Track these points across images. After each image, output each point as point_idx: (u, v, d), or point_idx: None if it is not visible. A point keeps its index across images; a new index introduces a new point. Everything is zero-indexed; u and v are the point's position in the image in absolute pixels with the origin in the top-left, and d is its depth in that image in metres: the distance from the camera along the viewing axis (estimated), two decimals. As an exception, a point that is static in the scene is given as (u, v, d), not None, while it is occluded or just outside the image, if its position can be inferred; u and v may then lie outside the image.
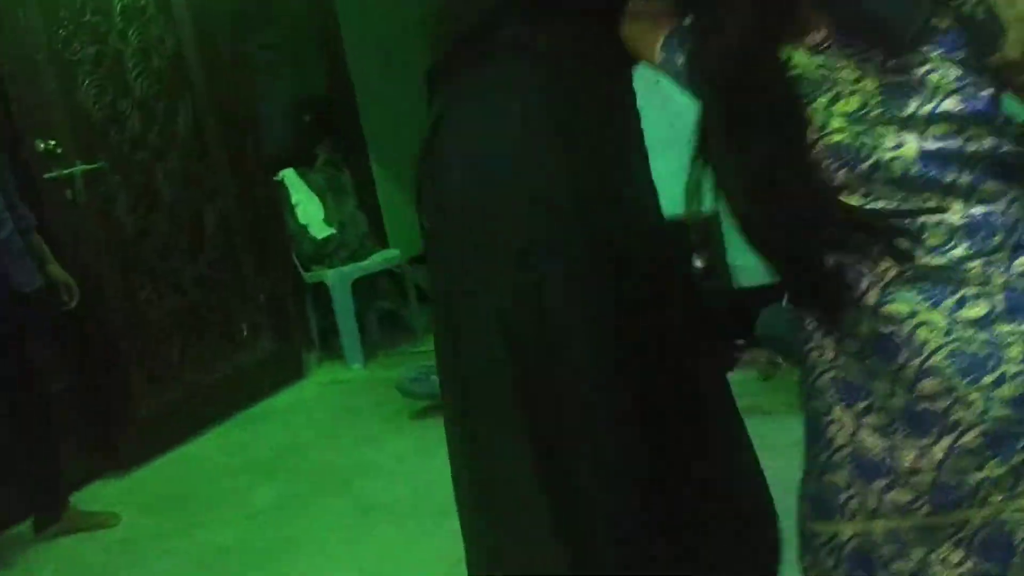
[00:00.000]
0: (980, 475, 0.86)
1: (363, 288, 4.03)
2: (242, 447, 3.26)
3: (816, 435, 0.97)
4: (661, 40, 1.07)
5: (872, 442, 0.91)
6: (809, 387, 0.98)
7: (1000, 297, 0.86)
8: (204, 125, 3.56)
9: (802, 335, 0.98)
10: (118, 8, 3.26)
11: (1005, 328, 0.86)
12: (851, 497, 0.92)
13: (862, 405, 0.91)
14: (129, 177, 3.26)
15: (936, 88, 0.85)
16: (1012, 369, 0.85)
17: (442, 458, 1.33)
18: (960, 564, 0.88)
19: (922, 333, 0.87)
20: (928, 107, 0.85)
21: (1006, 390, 0.85)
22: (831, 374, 0.94)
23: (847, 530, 0.93)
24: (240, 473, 3.04)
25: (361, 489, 2.77)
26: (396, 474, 2.83)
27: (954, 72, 0.85)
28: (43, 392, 2.71)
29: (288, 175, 4.11)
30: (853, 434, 0.92)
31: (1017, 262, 0.87)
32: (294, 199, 4.06)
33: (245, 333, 3.62)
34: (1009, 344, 0.86)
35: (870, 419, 0.91)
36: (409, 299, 4.19)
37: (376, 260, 4.09)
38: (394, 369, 3.66)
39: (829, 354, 0.94)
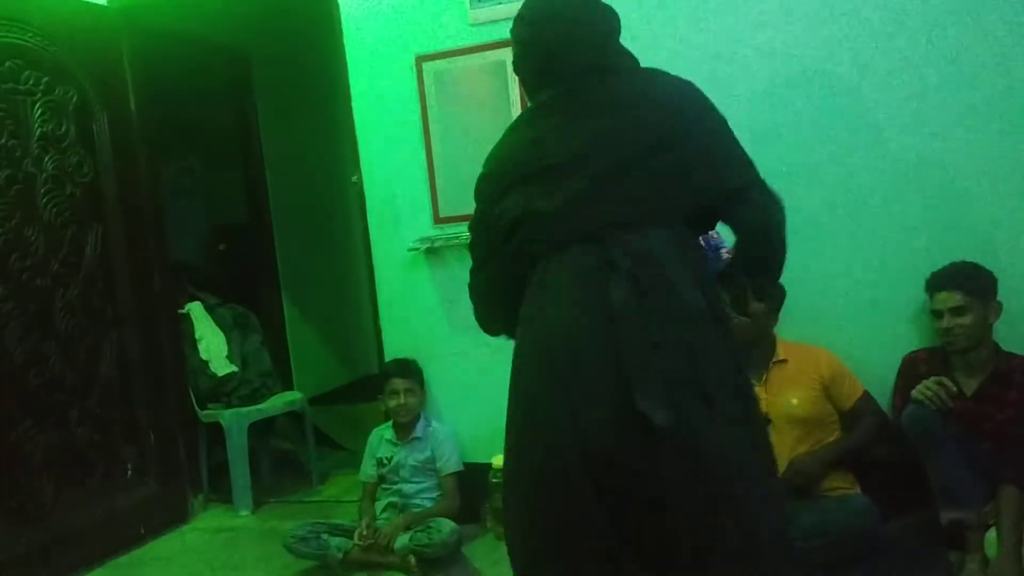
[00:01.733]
0: None
1: (259, 425, 3.91)
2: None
3: None
4: None
5: None
6: None
7: None
8: (112, 254, 3.48)
9: None
10: (37, 134, 3.23)
11: None
12: None
13: None
14: (24, 304, 3.14)
15: None
16: None
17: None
18: None
19: None
20: None
21: None
22: None
23: None
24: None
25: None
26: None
27: None
28: None
29: (194, 308, 4.02)
30: None
31: None
32: (198, 333, 3.96)
33: (129, 473, 3.44)
34: None
35: None
36: (307, 441, 4.08)
37: (276, 403, 3.98)
38: (285, 520, 3.51)
39: None
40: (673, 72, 1.91)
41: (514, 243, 1.78)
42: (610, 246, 1.68)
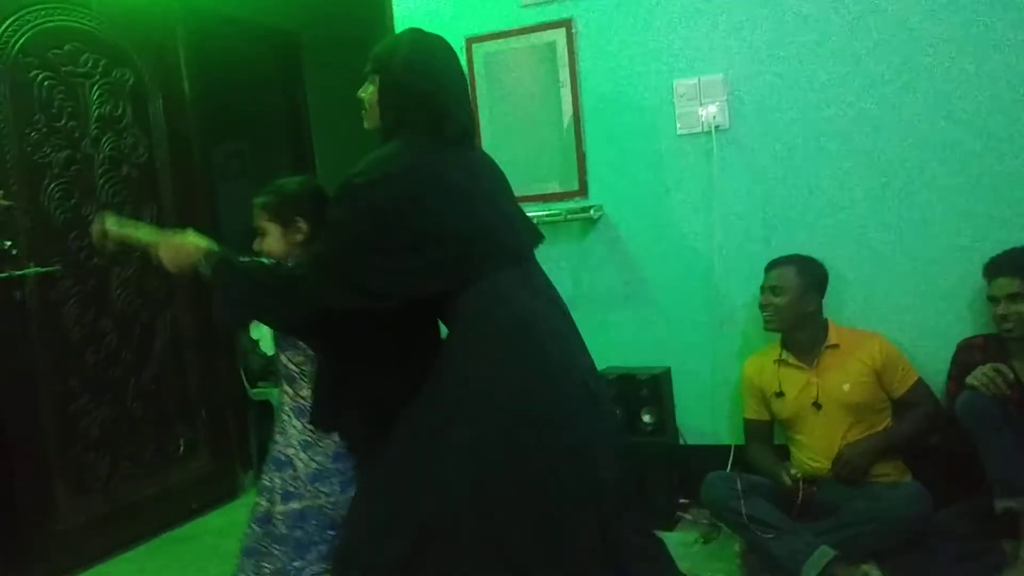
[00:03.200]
0: None
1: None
2: (164, 570, 3.11)
3: None
4: None
5: None
6: None
7: None
8: (166, 234, 3.54)
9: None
10: (94, 116, 3.30)
11: None
12: None
13: None
14: (82, 282, 3.22)
15: None
16: None
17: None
18: None
19: None
20: None
21: None
22: None
23: None
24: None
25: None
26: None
27: None
28: None
29: (245, 288, 4.07)
30: None
31: None
32: (248, 313, 4.02)
33: (182, 449, 3.52)
34: None
35: None
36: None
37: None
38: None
39: None
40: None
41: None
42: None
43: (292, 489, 2.07)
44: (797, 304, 2.72)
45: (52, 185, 3.13)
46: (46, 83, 3.13)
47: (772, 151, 2.97)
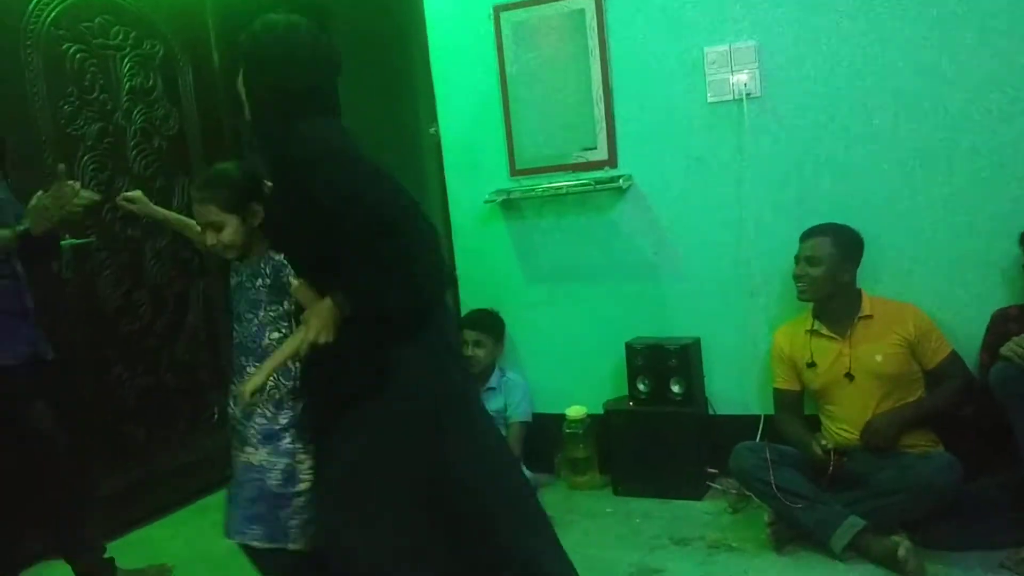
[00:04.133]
0: None
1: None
2: (198, 537, 3.17)
3: None
4: None
5: None
6: None
7: None
8: (197, 206, 3.57)
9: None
10: (126, 88, 3.32)
11: None
12: None
13: None
14: (117, 254, 3.26)
15: None
16: None
17: None
18: None
19: None
20: None
21: None
22: None
23: None
24: (191, 564, 2.95)
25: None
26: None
27: None
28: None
29: (275, 259, 4.10)
30: None
31: None
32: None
33: (215, 418, 3.57)
34: None
35: None
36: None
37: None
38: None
39: None
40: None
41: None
42: None
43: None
44: (832, 274, 2.69)
45: (85, 157, 3.16)
46: (78, 56, 3.15)
47: (805, 120, 2.93)
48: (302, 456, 2.05)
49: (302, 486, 2.04)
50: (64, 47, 3.11)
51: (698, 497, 3.05)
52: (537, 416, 3.34)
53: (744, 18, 2.96)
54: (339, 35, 5.32)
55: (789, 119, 2.95)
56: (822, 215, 2.82)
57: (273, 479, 2.04)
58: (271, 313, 2.09)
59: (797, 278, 2.75)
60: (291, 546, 2.04)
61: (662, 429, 3.09)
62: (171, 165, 3.50)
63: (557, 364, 3.40)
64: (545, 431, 3.31)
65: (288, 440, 2.06)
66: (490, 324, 3.34)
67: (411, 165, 5.65)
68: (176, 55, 3.55)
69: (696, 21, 3.03)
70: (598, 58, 3.15)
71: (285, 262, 2.09)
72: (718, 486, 3.08)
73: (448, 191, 3.52)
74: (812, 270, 2.70)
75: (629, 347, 3.15)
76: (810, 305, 2.77)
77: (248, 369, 2.11)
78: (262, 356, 2.07)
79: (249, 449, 2.07)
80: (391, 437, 1.90)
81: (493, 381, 3.31)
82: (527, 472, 3.08)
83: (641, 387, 3.13)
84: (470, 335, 3.29)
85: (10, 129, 2.88)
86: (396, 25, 4.84)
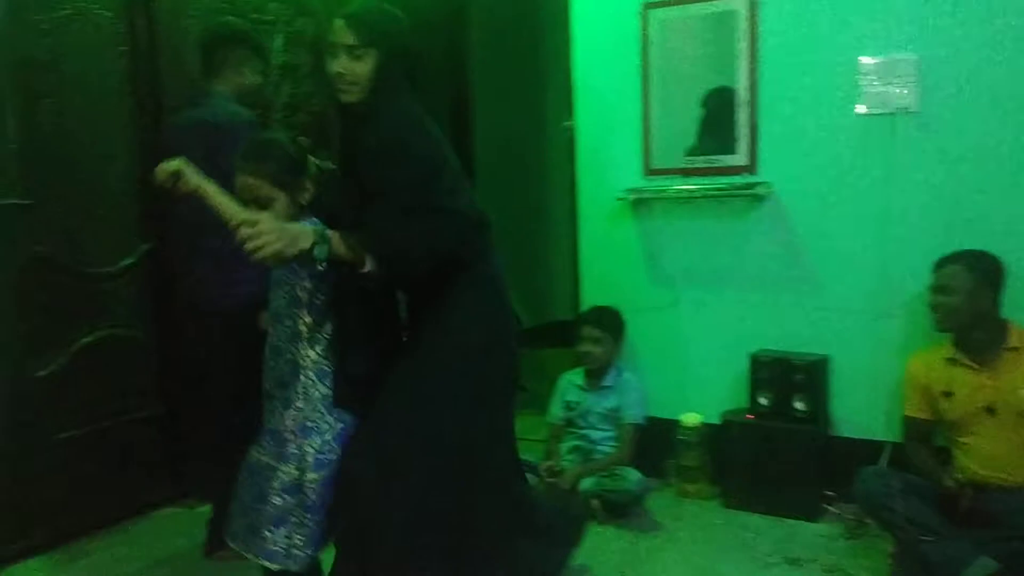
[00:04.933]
0: None
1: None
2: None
3: None
4: None
5: None
6: None
7: None
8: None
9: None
10: (278, 63, 3.43)
11: None
12: None
13: None
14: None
15: None
16: None
17: None
18: None
19: None
20: None
21: None
22: None
23: None
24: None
25: None
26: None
27: None
28: None
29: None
30: None
31: None
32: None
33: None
34: None
35: None
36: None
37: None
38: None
39: None
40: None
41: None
42: None
43: (323, 457, 2.01)
44: (969, 303, 2.57)
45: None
46: (236, 28, 3.27)
47: (967, 141, 2.79)
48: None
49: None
50: (224, 19, 3.22)
51: (812, 518, 2.96)
52: (650, 420, 3.30)
53: (905, 28, 2.85)
54: (478, 20, 5.37)
55: (949, 139, 2.82)
56: (972, 241, 2.69)
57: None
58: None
59: (933, 308, 2.63)
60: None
61: (781, 445, 3.01)
62: (313, 140, 3.59)
63: (675, 369, 3.35)
64: (657, 436, 3.27)
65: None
66: (611, 322, 3.32)
67: (536, 157, 5.69)
68: (326, 34, 3.62)
69: (854, 29, 2.93)
70: (746, 61, 3.09)
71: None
72: (834, 509, 2.98)
73: (578, 186, 3.50)
74: (947, 299, 2.58)
75: (754, 359, 3.08)
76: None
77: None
78: (278, 341, 2.04)
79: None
80: (452, 371, 2.09)
81: (609, 380, 3.28)
82: (637, 474, 3.06)
83: (763, 401, 3.05)
84: (590, 331, 3.27)
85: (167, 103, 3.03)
86: (534, 18, 4.87)
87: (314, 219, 1.98)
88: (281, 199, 1.95)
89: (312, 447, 2.01)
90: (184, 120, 2.71)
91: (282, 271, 2.00)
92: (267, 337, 2.10)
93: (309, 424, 2.02)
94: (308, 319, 2.02)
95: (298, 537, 2.00)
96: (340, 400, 2.04)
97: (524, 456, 3.25)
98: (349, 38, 2.03)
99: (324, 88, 3.62)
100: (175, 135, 2.66)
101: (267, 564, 2.02)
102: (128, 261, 3.06)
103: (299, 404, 2.02)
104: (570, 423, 3.33)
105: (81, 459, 2.94)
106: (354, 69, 2.04)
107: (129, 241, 3.06)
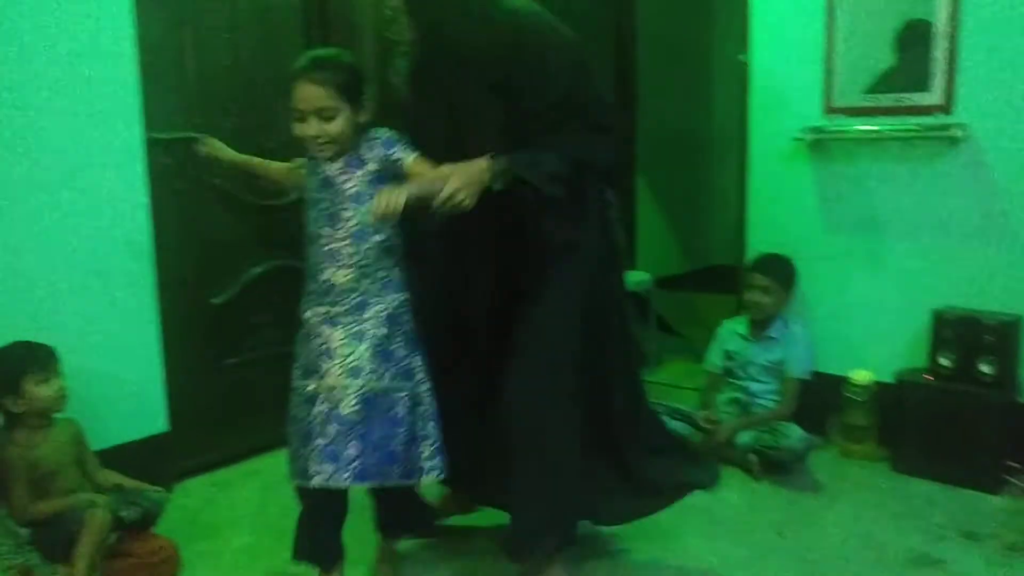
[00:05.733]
0: None
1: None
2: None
3: None
4: None
5: None
6: None
7: None
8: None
9: None
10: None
11: None
12: None
13: None
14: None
15: None
16: None
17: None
18: None
19: None
20: None
21: None
22: None
23: None
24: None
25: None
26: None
27: None
28: None
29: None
30: None
31: None
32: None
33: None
34: None
35: None
36: (649, 323, 4.10)
37: (629, 281, 4.02)
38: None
39: None
40: None
41: None
42: None
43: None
44: None
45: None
46: None
47: None
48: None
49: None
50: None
51: (992, 491, 2.75)
52: (816, 375, 3.13)
53: None
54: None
55: None
56: None
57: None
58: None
59: None
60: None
61: (962, 411, 2.79)
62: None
63: (846, 323, 3.16)
64: (822, 392, 3.11)
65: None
66: (781, 271, 3.15)
67: (703, 90, 5.46)
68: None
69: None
70: (948, -12, 2.79)
71: (394, 139, 1.93)
72: (1019, 482, 2.76)
73: (750, 124, 3.31)
74: None
75: (938, 316, 2.85)
76: None
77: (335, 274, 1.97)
78: (364, 260, 1.94)
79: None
80: (586, 280, 2.16)
81: (774, 331, 3.13)
82: (799, 430, 2.93)
83: (944, 361, 2.83)
84: (759, 279, 3.12)
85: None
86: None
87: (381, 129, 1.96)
88: (345, 113, 1.87)
89: (417, 360, 2.02)
90: None
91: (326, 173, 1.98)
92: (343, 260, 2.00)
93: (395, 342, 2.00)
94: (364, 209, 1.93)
95: (428, 447, 2.01)
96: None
97: (679, 405, 3.21)
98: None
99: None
100: None
101: (409, 484, 2.03)
102: (297, 195, 3.14)
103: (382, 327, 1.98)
104: (729, 373, 3.21)
105: (251, 382, 3.09)
106: None
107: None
